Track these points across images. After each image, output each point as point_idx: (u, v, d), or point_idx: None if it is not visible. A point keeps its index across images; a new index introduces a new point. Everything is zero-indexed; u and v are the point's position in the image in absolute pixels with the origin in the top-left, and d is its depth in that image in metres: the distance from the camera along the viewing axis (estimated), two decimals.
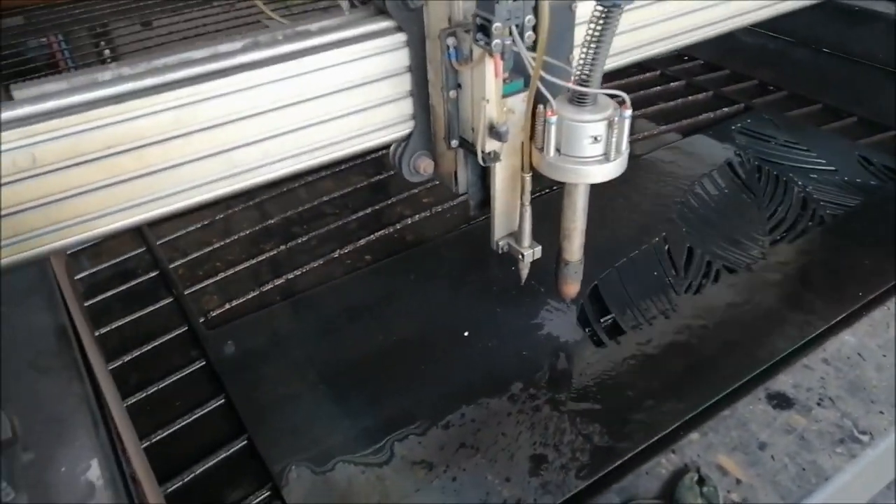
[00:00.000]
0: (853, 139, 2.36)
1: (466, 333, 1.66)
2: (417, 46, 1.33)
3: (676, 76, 2.81)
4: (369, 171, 2.30)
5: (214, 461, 1.41)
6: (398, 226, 2.06)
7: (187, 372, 1.61)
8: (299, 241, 2.01)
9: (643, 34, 1.65)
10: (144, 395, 1.55)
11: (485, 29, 1.15)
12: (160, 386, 1.57)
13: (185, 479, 1.38)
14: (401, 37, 1.31)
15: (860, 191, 2.11)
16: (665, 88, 2.75)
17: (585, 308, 1.71)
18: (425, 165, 1.50)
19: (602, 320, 1.70)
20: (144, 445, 1.43)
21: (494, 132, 1.29)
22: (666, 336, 1.63)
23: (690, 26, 1.74)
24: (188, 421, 1.50)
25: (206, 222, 2.11)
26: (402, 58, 1.34)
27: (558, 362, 1.59)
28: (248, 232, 2.07)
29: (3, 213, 1.03)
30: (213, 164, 1.24)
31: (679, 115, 2.55)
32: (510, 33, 1.16)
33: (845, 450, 1.11)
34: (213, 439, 1.45)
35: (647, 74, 2.81)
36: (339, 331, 1.69)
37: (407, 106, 1.42)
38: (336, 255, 1.95)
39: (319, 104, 1.29)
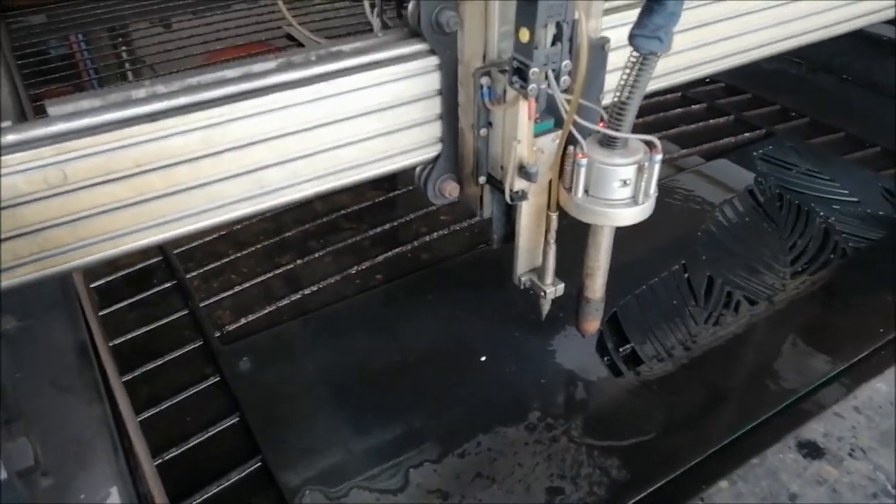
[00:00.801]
0: (876, 170, 2.34)
1: (484, 358, 1.64)
2: (450, 70, 1.32)
3: (698, 99, 2.79)
4: (386, 185, 2.29)
5: (228, 483, 1.39)
6: (415, 243, 2.04)
7: (201, 388, 1.59)
8: (315, 256, 2.00)
9: (672, 61, 1.64)
10: (157, 410, 1.54)
11: (521, 73, 1.15)
12: (173, 401, 1.55)
13: (198, 500, 1.36)
14: (433, 60, 1.30)
15: (883, 224, 2.08)
16: (686, 111, 2.73)
17: (604, 336, 1.69)
18: (451, 189, 1.49)
19: (621, 349, 1.68)
20: (156, 463, 1.41)
21: (524, 172, 1.29)
22: (685, 368, 1.62)
23: (718, 55, 1.73)
24: (201, 439, 1.48)
25: (222, 233, 2.10)
26: (434, 81, 1.33)
27: (576, 391, 1.57)
28: (264, 244, 2.05)
29: (32, 228, 1.02)
30: (241, 184, 1.23)
31: (700, 139, 2.54)
32: (546, 77, 1.15)
33: None
34: (226, 459, 1.43)
35: (669, 96, 2.79)
36: (354, 350, 1.67)
37: (435, 129, 1.41)
38: (353, 271, 1.94)
39: (349, 125, 1.28)
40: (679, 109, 2.74)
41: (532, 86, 1.15)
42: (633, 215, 1.28)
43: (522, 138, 1.26)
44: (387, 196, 2.25)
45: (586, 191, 1.28)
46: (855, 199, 2.19)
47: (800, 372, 1.57)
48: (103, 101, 1.02)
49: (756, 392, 1.53)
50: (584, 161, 1.24)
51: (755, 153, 2.44)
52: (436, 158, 1.46)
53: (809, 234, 2.04)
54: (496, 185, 1.39)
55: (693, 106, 2.75)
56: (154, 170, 1.09)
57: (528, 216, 1.42)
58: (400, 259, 1.99)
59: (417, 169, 1.49)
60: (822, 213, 2.12)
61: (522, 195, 1.35)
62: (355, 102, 1.26)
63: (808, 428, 1.23)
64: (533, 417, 1.50)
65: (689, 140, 2.54)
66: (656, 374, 1.60)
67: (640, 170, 1.23)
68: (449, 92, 1.36)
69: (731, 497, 1.13)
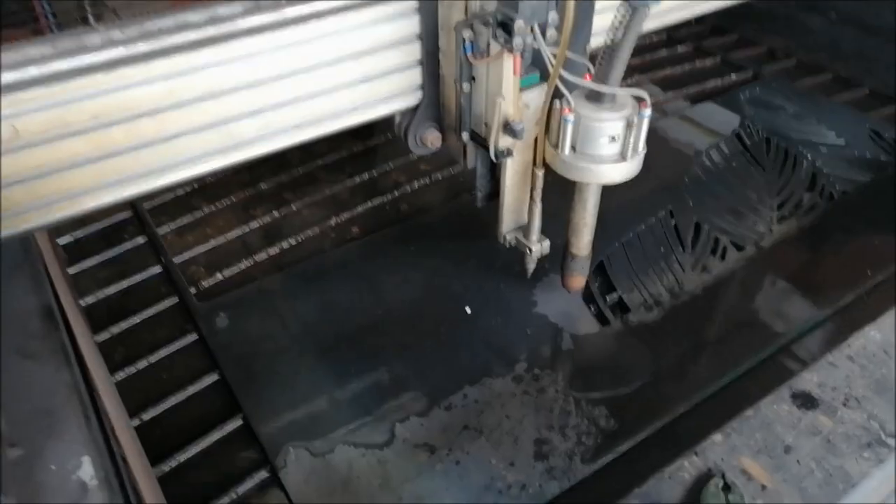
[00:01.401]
0: (864, 111, 2.30)
1: (469, 310, 1.61)
2: (429, 12, 1.24)
3: (683, 39, 2.71)
4: (364, 134, 2.21)
5: (208, 442, 1.36)
6: (396, 193, 1.98)
7: (178, 346, 1.55)
8: (292, 208, 1.93)
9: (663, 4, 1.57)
10: (134, 370, 1.50)
11: (506, 26, 1.09)
12: (150, 361, 1.51)
13: (179, 461, 1.33)
14: (412, 3, 1.22)
15: (870, 167, 2.06)
16: (672, 53, 2.66)
17: (591, 285, 1.66)
18: (433, 139, 1.43)
19: (607, 298, 1.65)
20: (135, 425, 1.38)
21: (509, 129, 1.24)
22: (673, 315, 1.60)
23: None
24: (180, 398, 1.44)
25: (195, 185, 2.02)
26: (413, 25, 1.26)
27: (563, 342, 1.55)
28: (239, 197, 1.98)
29: None
30: (210, 137, 1.16)
31: (686, 82, 2.47)
32: (532, 31, 1.08)
33: (872, 454, 1.09)
34: (206, 418, 1.40)
35: (654, 38, 2.71)
36: (336, 304, 1.63)
37: (415, 76, 1.34)
38: (332, 223, 1.88)
39: (324, 73, 1.21)
40: (664, 51, 2.66)
41: (517, 40, 1.09)
42: (621, 172, 1.24)
43: (507, 95, 1.21)
44: (366, 145, 2.17)
45: (573, 147, 1.24)
46: (842, 142, 2.16)
47: (788, 317, 1.57)
48: (54, 48, 0.94)
49: (745, 338, 1.52)
50: (570, 117, 1.19)
51: (742, 96, 2.38)
52: (416, 106, 1.39)
53: (797, 178, 2.01)
54: (480, 142, 1.34)
55: (678, 47, 2.68)
56: (115, 123, 1.02)
57: (513, 173, 1.38)
58: (380, 210, 1.93)
59: (397, 117, 1.42)
60: (809, 157, 2.09)
61: (508, 152, 1.30)
62: (329, 48, 1.18)
63: (802, 378, 1.23)
64: (520, 369, 1.48)
65: (675, 83, 2.48)
66: (644, 322, 1.58)
67: (628, 125, 1.19)
68: (429, 36, 1.29)
69: (725, 450, 1.12)
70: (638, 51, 2.58)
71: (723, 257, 1.75)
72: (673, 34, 2.74)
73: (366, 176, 2.05)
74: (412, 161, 2.09)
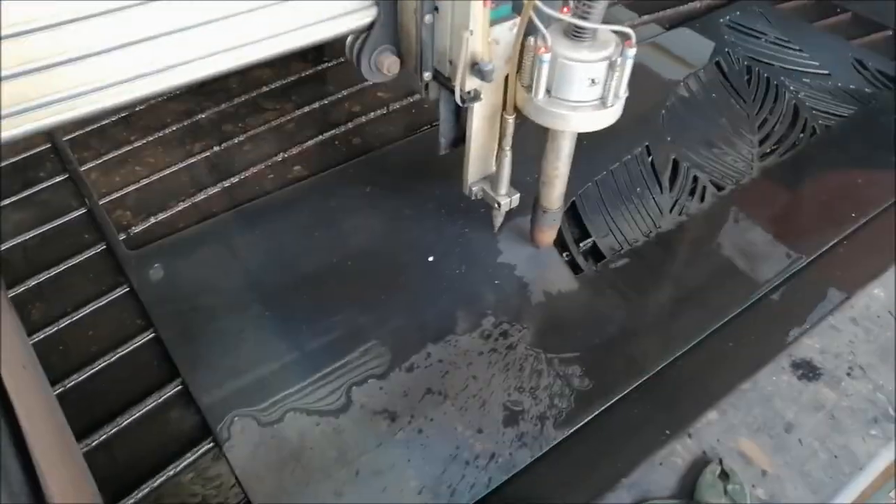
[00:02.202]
0: (847, 38, 2.18)
1: (431, 258, 1.47)
2: None
3: None
4: (312, 56, 1.99)
5: (143, 411, 1.21)
6: (350, 125, 1.79)
7: (106, 301, 1.38)
8: (234, 142, 1.73)
9: None
10: (55, 329, 1.33)
11: None
12: (74, 318, 1.34)
13: (108, 433, 1.19)
14: None
15: (854, 99, 1.95)
16: None
17: (562, 230, 1.53)
18: (389, 63, 1.25)
19: (581, 244, 1.53)
20: (57, 391, 1.22)
21: (477, 70, 1.07)
22: (650, 262, 1.49)
23: None
24: (109, 361, 1.29)
25: (122, 114, 1.80)
26: None
27: (533, 292, 1.43)
28: (173, 128, 1.77)
29: None
30: (128, 59, 0.97)
31: (662, 4, 2.29)
32: None
33: (879, 431, 1.01)
34: (139, 384, 1.25)
35: None
36: (284, 252, 1.47)
37: None
38: (278, 158, 1.70)
39: None
40: None
41: None
42: (601, 119, 1.12)
43: (476, 29, 1.04)
44: (315, 69, 1.96)
45: (548, 90, 1.09)
46: (825, 72, 2.04)
47: (771, 262, 1.47)
48: None
49: (726, 286, 1.42)
50: (546, 56, 1.04)
51: (721, 20, 2.22)
52: (370, 26, 1.20)
53: (779, 111, 1.89)
54: (444, 83, 1.17)
55: None
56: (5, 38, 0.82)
57: (480, 119, 1.23)
58: (331, 145, 1.75)
59: (349, 38, 1.24)
60: (791, 88, 1.96)
61: (475, 95, 1.14)
62: None
63: (802, 345, 1.13)
64: (487, 323, 1.36)
65: (651, 5, 2.30)
66: (619, 269, 1.47)
67: (611, 66, 1.05)
68: None
69: (721, 430, 1.02)
70: None
71: (702, 198, 1.64)
72: None
73: (316, 105, 1.85)
74: (368, 88, 1.89)
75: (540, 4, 1.00)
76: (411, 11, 1.14)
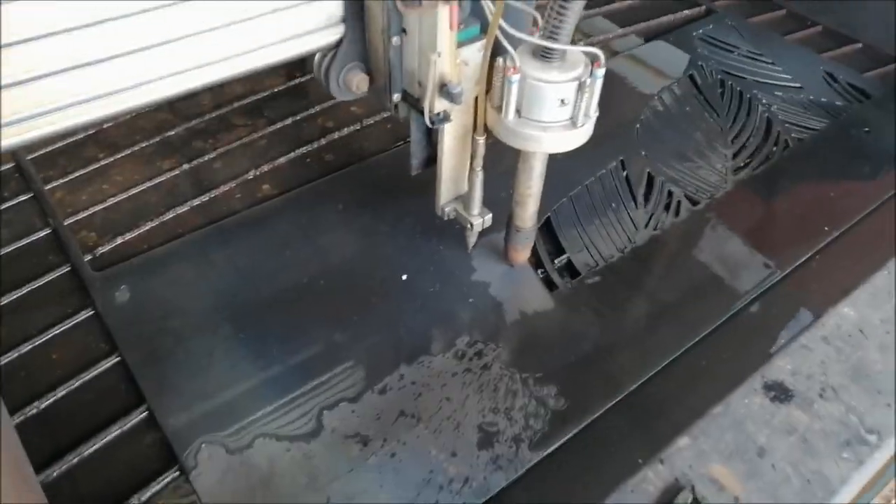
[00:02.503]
0: (818, 51, 2.20)
1: (405, 277, 1.45)
2: None
3: None
4: (287, 71, 1.97)
5: (106, 439, 1.18)
6: (322, 141, 1.77)
7: (70, 324, 1.34)
8: (204, 159, 1.70)
9: None
10: (16, 355, 1.28)
11: None
12: (35, 343, 1.30)
13: (70, 462, 1.15)
14: None
15: (825, 112, 1.96)
16: None
17: (537, 246, 1.52)
18: (358, 81, 1.23)
19: (555, 261, 1.52)
20: (17, 421, 1.18)
21: (446, 91, 1.06)
22: (625, 278, 1.48)
23: None
24: (73, 387, 1.25)
25: (89, 132, 1.76)
26: None
27: (508, 310, 1.41)
28: (142, 145, 1.74)
29: None
30: (79, 81, 0.94)
31: (637, 17, 2.31)
32: None
33: (852, 454, 1.00)
34: (104, 411, 1.22)
35: None
36: (254, 272, 1.45)
37: (335, 7, 1.13)
38: (249, 176, 1.67)
39: (222, 4, 0.99)
40: None
41: None
42: (571, 140, 1.12)
43: (443, 51, 1.03)
44: (287, 84, 1.94)
45: (518, 111, 1.08)
46: (797, 85, 2.05)
47: (746, 277, 1.46)
48: None
49: (701, 302, 1.41)
50: (515, 77, 1.03)
51: (695, 33, 2.24)
52: (338, 43, 1.19)
53: (752, 125, 1.90)
54: (413, 104, 1.15)
55: None
56: None
57: (451, 139, 1.22)
58: (304, 161, 1.72)
59: (317, 56, 1.22)
60: (764, 101, 1.97)
61: (445, 117, 1.13)
62: None
63: (774, 366, 1.12)
64: (461, 343, 1.34)
65: (626, 18, 2.31)
66: (594, 286, 1.46)
67: (580, 87, 1.04)
68: None
69: (693, 456, 1.01)
70: None
71: (677, 213, 1.63)
72: None
73: (289, 121, 1.83)
74: (341, 103, 1.87)
75: (505, 26, 0.99)
76: (379, 31, 1.13)
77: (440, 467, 1.15)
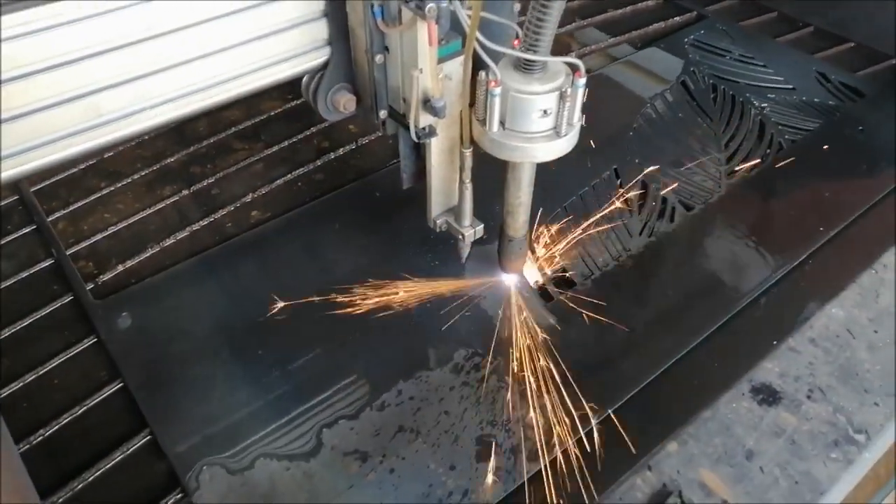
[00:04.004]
0: (810, 52, 2.20)
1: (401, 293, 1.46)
2: None
3: None
4: (285, 94, 2.00)
5: (110, 464, 1.19)
6: (318, 162, 1.80)
7: (73, 353, 1.36)
8: (203, 184, 1.73)
9: None
10: (21, 384, 1.31)
11: None
12: (40, 372, 1.33)
13: (75, 489, 1.16)
14: None
15: (818, 112, 1.96)
16: None
17: (532, 257, 1.53)
18: (346, 101, 1.26)
19: (551, 270, 1.53)
20: (22, 449, 1.20)
21: (430, 106, 1.08)
22: (620, 287, 1.48)
23: None
24: (77, 414, 1.27)
25: (91, 162, 1.79)
26: None
27: (503, 323, 1.42)
28: (142, 173, 1.77)
29: None
30: (70, 112, 0.97)
31: (629, 25, 2.32)
32: None
33: (840, 454, 0.99)
34: (108, 436, 1.23)
35: None
36: (254, 295, 1.46)
37: (320, 29, 1.15)
38: (248, 199, 1.69)
39: (207, 30, 1.02)
40: None
41: (430, 5, 0.93)
42: (555, 149, 1.12)
43: (425, 67, 1.05)
44: (283, 108, 1.97)
45: (502, 123, 1.09)
46: (790, 86, 2.06)
47: (742, 283, 1.46)
48: None
49: (697, 309, 1.41)
50: (497, 90, 1.05)
51: (686, 39, 2.25)
52: (324, 65, 1.21)
53: (745, 128, 1.91)
54: (400, 120, 1.17)
55: None
56: None
57: (439, 153, 1.23)
58: (301, 182, 1.75)
59: (304, 79, 1.24)
60: (757, 104, 1.98)
61: (430, 131, 1.15)
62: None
63: (762, 368, 1.12)
64: (459, 357, 1.35)
65: (618, 26, 2.33)
66: (590, 295, 1.46)
67: (561, 97, 1.05)
68: None
69: (681, 461, 1.01)
70: None
71: (672, 219, 1.64)
72: None
73: (285, 143, 1.85)
74: (337, 123, 1.90)
75: (483, 40, 1.01)
76: (363, 51, 1.15)
77: (439, 481, 1.16)
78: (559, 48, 2.22)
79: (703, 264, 1.52)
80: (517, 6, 1.23)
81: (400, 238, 1.57)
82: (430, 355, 1.35)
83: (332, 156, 1.82)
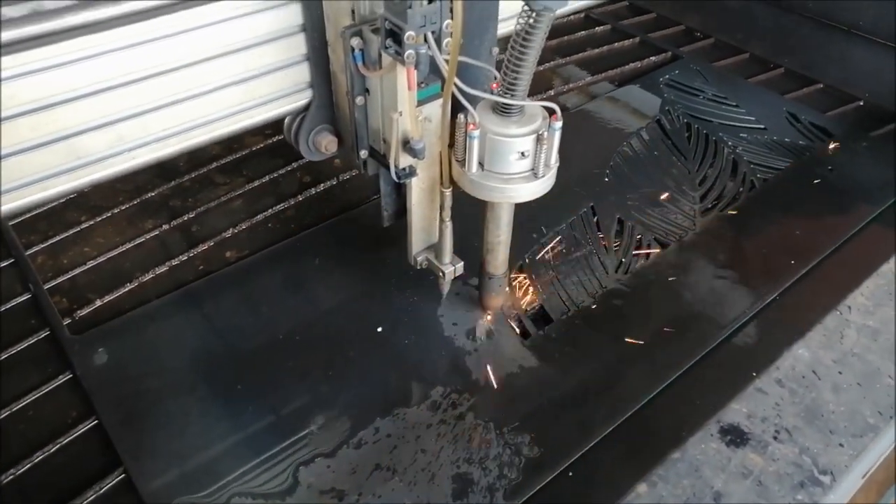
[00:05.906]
0: (781, 92, 2.27)
1: (380, 329, 1.47)
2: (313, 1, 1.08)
3: (602, 20, 2.62)
4: (266, 129, 2.02)
5: (84, 502, 1.18)
6: (300, 198, 1.81)
7: (48, 389, 1.35)
8: (184, 219, 1.74)
9: None
10: None
11: (395, 36, 0.95)
12: (14, 409, 1.31)
13: None
14: None
15: (789, 152, 2.02)
16: (590, 34, 2.56)
17: (510, 294, 1.55)
18: (327, 143, 1.28)
19: (528, 308, 1.55)
20: None
21: (409, 148, 1.11)
22: (598, 324, 1.50)
23: None
24: (50, 451, 1.25)
25: (71, 196, 1.79)
26: (294, 14, 1.10)
27: (482, 360, 1.43)
28: (123, 207, 1.77)
29: None
30: (48, 155, 0.98)
31: (606, 64, 2.38)
32: (425, 40, 0.96)
33: (806, 495, 1.01)
34: (81, 475, 1.22)
35: (572, 17, 2.61)
36: (231, 330, 1.47)
37: (301, 73, 1.18)
38: (227, 234, 1.70)
39: (188, 74, 1.04)
40: (583, 32, 2.56)
41: (409, 52, 0.96)
42: (533, 190, 1.16)
43: (404, 110, 1.07)
44: (265, 143, 1.99)
45: (481, 164, 1.13)
46: (761, 126, 2.11)
47: (715, 319, 1.49)
48: None
49: (671, 346, 1.44)
50: (476, 132, 1.08)
51: (661, 79, 2.31)
52: (306, 107, 1.24)
53: (718, 167, 1.95)
54: (380, 160, 1.20)
55: (597, 28, 2.58)
56: None
57: (419, 192, 1.26)
58: (282, 217, 1.76)
59: (287, 120, 1.27)
60: (730, 143, 2.03)
61: (410, 171, 1.18)
62: (194, 44, 1.01)
63: (730, 409, 1.14)
64: (436, 394, 1.36)
65: (595, 65, 2.39)
66: (566, 332, 1.48)
67: (538, 139, 1.08)
68: (314, 27, 1.13)
69: (650, 503, 1.02)
70: (556, 32, 2.50)
71: (647, 257, 1.67)
72: (591, 14, 2.65)
73: (266, 178, 1.87)
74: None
75: (461, 84, 1.04)
76: (344, 93, 1.18)
77: None
78: (542, 83, 2.27)
79: (676, 302, 1.54)
80: (496, 49, 1.27)
81: (380, 273, 1.58)
82: (408, 392, 1.36)
83: (314, 191, 1.83)
